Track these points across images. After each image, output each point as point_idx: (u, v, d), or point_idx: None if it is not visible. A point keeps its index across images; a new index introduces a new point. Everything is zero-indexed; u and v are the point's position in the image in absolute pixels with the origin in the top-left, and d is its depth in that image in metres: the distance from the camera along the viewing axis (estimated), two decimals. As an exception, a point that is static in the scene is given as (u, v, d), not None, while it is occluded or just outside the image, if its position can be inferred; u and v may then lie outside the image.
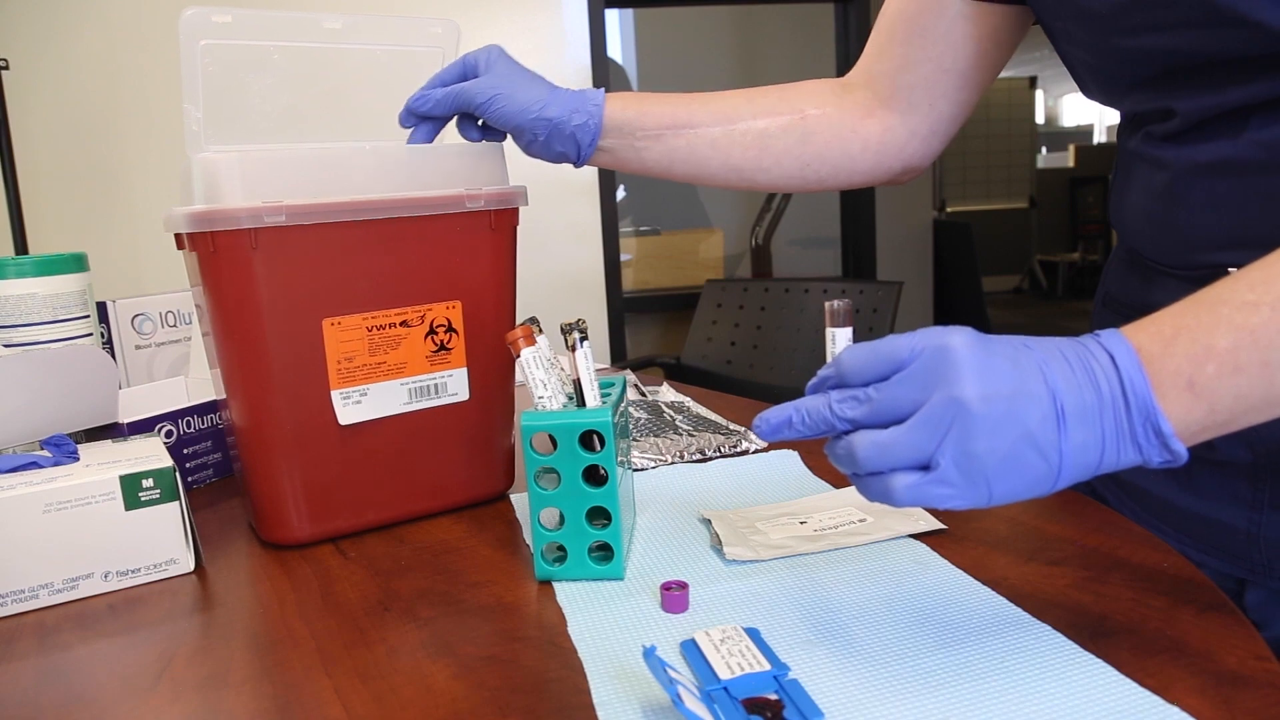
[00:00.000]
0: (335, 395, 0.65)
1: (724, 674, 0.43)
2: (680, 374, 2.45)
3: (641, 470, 0.78)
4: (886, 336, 0.44)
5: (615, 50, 5.23)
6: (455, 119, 0.73)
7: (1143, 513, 0.68)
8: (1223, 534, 0.63)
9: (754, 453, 0.80)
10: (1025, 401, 0.41)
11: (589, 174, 3.02)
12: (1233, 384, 0.41)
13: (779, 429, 0.46)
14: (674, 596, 0.52)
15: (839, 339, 0.51)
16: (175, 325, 1.01)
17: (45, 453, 0.64)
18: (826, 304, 0.52)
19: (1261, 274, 0.43)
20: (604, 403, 0.58)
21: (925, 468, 0.42)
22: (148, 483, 0.61)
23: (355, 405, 0.65)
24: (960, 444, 0.41)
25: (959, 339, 0.42)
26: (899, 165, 0.76)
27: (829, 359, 0.49)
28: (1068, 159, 7.77)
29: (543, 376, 0.58)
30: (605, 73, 3.04)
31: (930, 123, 0.75)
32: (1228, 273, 0.46)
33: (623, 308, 3.31)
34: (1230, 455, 0.61)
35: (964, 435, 0.41)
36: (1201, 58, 0.54)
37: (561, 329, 0.59)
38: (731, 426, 0.87)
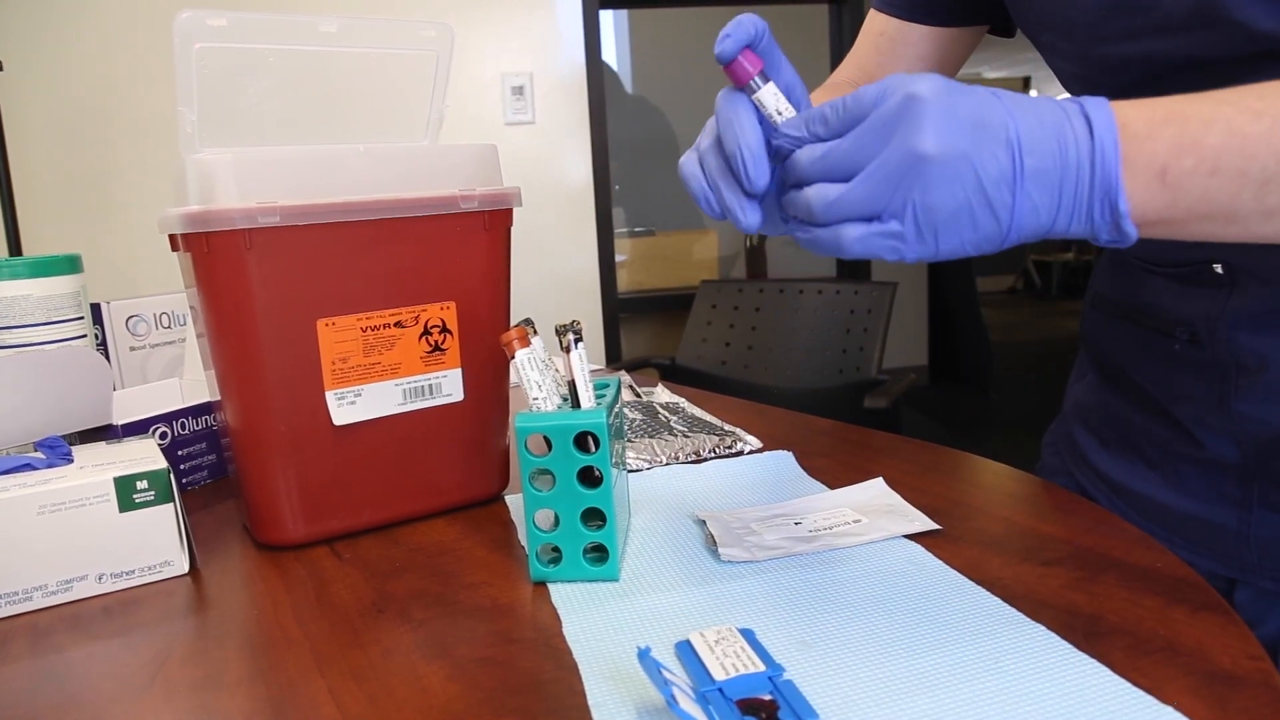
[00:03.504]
0: (330, 396, 0.65)
1: (719, 675, 0.43)
2: (675, 375, 2.45)
3: (636, 471, 0.78)
4: (858, 89, 0.43)
5: (610, 51, 5.23)
6: None
7: (1132, 513, 0.68)
8: (1213, 533, 0.63)
9: (749, 454, 0.80)
10: (985, 158, 0.40)
11: (584, 175, 3.02)
12: (1204, 184, 0.40)
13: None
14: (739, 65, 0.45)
15: (766, 98, 0.45)
16: (170, 327, 1.01)
17: (39, 455, 0.64)
18: (726, 70, 0.45)
19: (1275, 86, 0.41)
20: (599, 404, 0.58)
21: (878, 219, 0.41)
22: (142, 484, 0.61)
23: (350, 406, 0.65)
24: (912, 197, 0.40)
25: (926, 86, 0.41)
26: None
27: (771, 120, 0.45)
28: (1062, 160, 7.77)
29: (537, 378, 0.58)
30: (599, 73, 3.04)
31: None
32: (1213, 269, 0.45)
33: (618, 309, 3.31)
34: (1219, 454, 0.61)
35: (918, 188, 0.40)
36: (1181, 61, 0.54)
37: (556, 330, 0.59)
38: (726, 427, 0.87)
